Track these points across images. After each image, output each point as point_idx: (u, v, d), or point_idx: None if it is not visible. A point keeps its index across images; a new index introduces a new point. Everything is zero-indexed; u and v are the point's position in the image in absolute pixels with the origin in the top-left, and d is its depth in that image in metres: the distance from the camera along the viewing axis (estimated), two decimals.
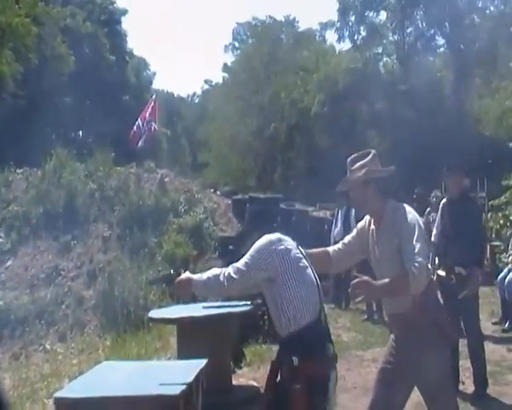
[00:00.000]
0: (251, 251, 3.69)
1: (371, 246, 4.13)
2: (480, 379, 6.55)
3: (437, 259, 6.89)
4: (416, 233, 3.77)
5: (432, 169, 14.89)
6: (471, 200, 7.19)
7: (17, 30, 27.16)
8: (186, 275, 3.82)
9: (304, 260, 3.72)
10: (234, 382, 6.85)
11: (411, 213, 3.94)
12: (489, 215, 16.22)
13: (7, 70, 26.53)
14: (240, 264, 3.67)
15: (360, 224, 4.29)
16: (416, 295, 3.82)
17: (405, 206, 4.01)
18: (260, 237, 3.74)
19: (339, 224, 11.79)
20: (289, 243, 3.73)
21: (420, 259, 3.65)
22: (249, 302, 6.38)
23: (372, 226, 4.14)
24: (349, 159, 4.14)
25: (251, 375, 7.45)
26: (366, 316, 10.87)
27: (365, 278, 3.64)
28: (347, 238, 4.33)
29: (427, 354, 3.89)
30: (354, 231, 4.31)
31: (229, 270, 3.66)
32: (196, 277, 3.78)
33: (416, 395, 4.26)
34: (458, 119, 31.14)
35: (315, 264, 3.85)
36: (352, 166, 4.09)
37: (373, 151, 4.17)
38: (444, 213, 6.90)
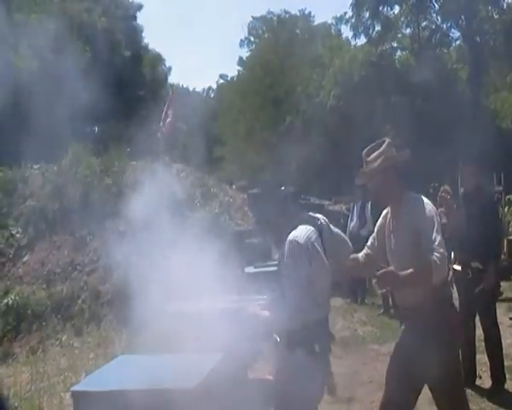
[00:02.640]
0: (290, 262, 3.61)
1: (387, 235, 4.13)
2: (498, 374, 6.53)
3: (453, 253, 6.86)
4: (436, 225, 3.78)
5: (447, 163, 14.80)
6: (487, 193, 7.12)
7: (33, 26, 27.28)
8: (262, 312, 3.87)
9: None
10: (249, 375, 6.86)
11: (429, 204, 3.95)
12: (505, 209, 16.14)
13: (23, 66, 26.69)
14: (292, 285, 3.58)
15: (378, 222, 4.32)
16: (429, 289, 3.82)
17: (423, 198, 4.02)
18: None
19: (355, 218, 11.79)
20: (315, 231, 3.75)
21: (441, 250, 3.67)
22: (265, 295, 6.38)
23: (389, 216, 4.15)
24: (364, 151, 4.14)
25: (267, 369, 7.46)
26: (382, 310, 10.85)
27: (390, 268, 3.65)
28: (370, 241, 4.38)
29: (435, 348, 3.87)
30: (374, 231, 4.34)
31: (289, 296, 3.59)
32: (265, 316, 3.85)
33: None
34: (474, 112, 30.90)
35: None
36: (368, 158, 4.09)
37: (387, 139, 4.17)
38: (460, 207, 6.86)
